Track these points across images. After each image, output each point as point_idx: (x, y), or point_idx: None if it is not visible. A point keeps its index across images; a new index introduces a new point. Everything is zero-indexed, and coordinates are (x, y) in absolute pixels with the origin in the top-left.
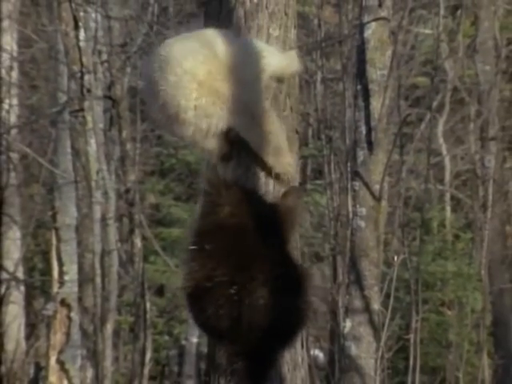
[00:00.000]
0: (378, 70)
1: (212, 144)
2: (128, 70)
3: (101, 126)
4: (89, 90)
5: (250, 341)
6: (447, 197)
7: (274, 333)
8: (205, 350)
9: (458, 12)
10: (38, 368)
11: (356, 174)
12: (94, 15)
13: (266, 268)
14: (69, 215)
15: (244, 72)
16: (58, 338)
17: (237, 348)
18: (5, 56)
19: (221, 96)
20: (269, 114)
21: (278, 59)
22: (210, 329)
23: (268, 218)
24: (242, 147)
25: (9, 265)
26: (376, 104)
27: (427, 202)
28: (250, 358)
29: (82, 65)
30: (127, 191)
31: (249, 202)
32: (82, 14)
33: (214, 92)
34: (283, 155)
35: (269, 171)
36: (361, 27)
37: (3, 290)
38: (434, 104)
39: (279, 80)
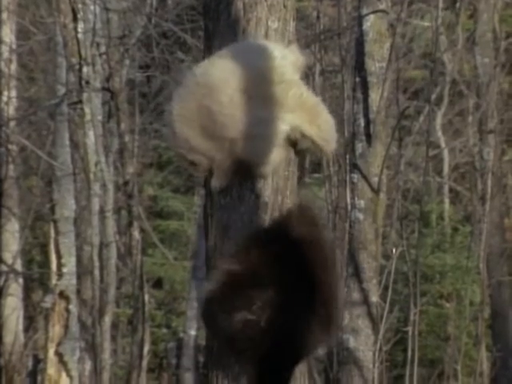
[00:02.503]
0: (376, 62)
1: (280, 154)
2: (126, 62)
3: (99, 118)
4: (87, 82)
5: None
6: (446, 189)
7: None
8: (203, 342)
9: (457, 4)
10: (37, 360)
11: (354, 167)
12: (92, 7)
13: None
14: (67, 207)
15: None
16: (56, 330)
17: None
18: (3, 48)
19: (272, 101)
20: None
21: (290, 57)
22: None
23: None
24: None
25: (7, 257)
26: (374, 96)
27: (426, 195)
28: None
29: (80, 57)
30: (126, 183)
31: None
32: (80, 6)
33: (267, 99)
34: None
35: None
36: (359, 20)
37: (2, 282)
38: (433, 97)
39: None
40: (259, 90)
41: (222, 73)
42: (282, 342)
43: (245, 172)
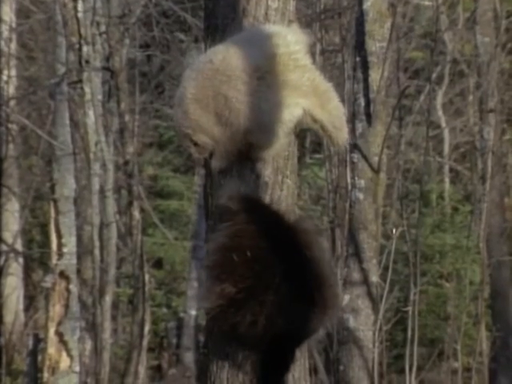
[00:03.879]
0: (377, 41)
1: (288, 138)
2: (127, 41)
3: (99, 97)
4: (87, 62)
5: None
6: (446, 169)
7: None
8: (203, 322)
9: None
10: (37, 340)
11: (355, 147)
12: None
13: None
14: (67, 187)
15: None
16: (56, 309)
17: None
18: (3, 27)
19: (287, 87)
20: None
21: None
22: (249, 338)
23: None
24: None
25: (7, 237)
26: (375, 76)
27: (426, 175)
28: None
29: (80, 36)
30: (126, 163)
31: (272, 217)
32: None
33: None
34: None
35: None
36: None
37: (2, 261)
38: (433, 76)
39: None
40: (274, 77)
41: (239, 60)
42: (282, 327)
43: (248, 155)
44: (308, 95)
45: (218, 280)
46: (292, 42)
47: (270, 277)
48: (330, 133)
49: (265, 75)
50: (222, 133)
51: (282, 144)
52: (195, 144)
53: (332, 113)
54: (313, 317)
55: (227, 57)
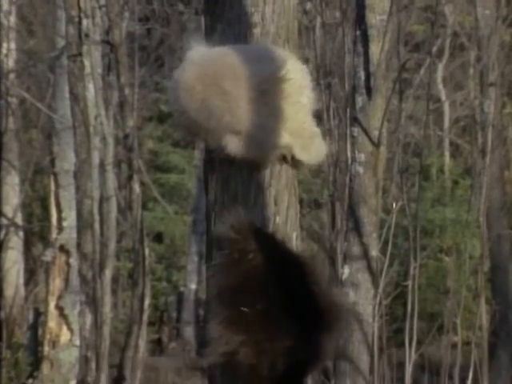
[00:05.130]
0: (377, 15)
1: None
2: (126, 14)
3: (99, 71)
4: (87, 35)
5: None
6: (446, 143)
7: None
8: (203, 296)
9: None
10: (37, 313)
11: (355, 120)
12: None
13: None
14: (67, 161)
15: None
16: (56, 283)
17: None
18: (3, 0)
19: (280, 113)
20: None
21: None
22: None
23: (294, 266)
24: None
25: (8, 210)
26: (375, 49)
27: (426, 148)
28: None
29: (79, 9)
30: (126, 137)
31: (276, 248)
32: None
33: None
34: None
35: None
36: None
37: (2, 235)
38: (434, 49)
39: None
40: (274, 99)
41: (243, 70)
42: (291, 360)
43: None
44: (293, 134)
45: (227, 329)
46: (299, 73)
47: (284, 321)
48: (298, 164)
49: (266, 94)
50: (204, 122)
51: (268, 165)
52: (190, 132)
53: (312, 154)
54: (324, 346)
55: (229, 61)
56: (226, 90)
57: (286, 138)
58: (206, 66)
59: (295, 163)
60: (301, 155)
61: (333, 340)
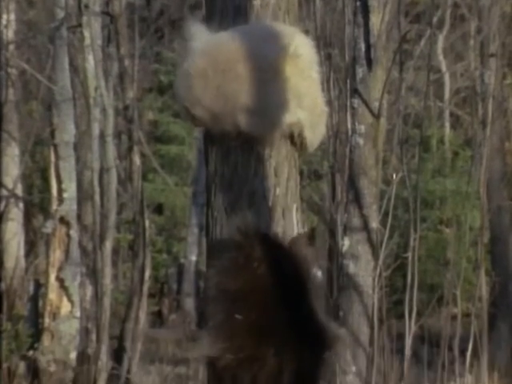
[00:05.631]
0: None
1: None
2: None
3: (99, 42)
4: (86, 6)
5: None
6: (446, 114)
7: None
8: (203, 268)
9: None
10: (38, 285)
11: (355, 92)
12: None
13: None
14: (67, 132)
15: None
16: (57, 255)
17: None
18: None
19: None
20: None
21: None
22: None
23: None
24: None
25: (8, 182)
26: (375, 20)
27: (426, 119)
28: None
29: None
30: (126, 108)
31: (281, 258)
32: None
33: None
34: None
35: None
36: None
37: (2, 207)
38: (434, 20)
39: None
40: (283, 76)
41: (250, 51)
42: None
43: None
44: (306, 110)
45: (217, 333)
46: (308, 46)
47: (274, 336)
48: (303, 147)
49: (278, 72)
50: (220, 108)
51: (274, 146)
52: (193, 117)
53: (316, 135)
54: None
55: (238, 45)
56: (240, 73)
57: (299, 114)
58: (215, 53)
59: (301, 142)
60: (308, 133)
61: (320, 364)
